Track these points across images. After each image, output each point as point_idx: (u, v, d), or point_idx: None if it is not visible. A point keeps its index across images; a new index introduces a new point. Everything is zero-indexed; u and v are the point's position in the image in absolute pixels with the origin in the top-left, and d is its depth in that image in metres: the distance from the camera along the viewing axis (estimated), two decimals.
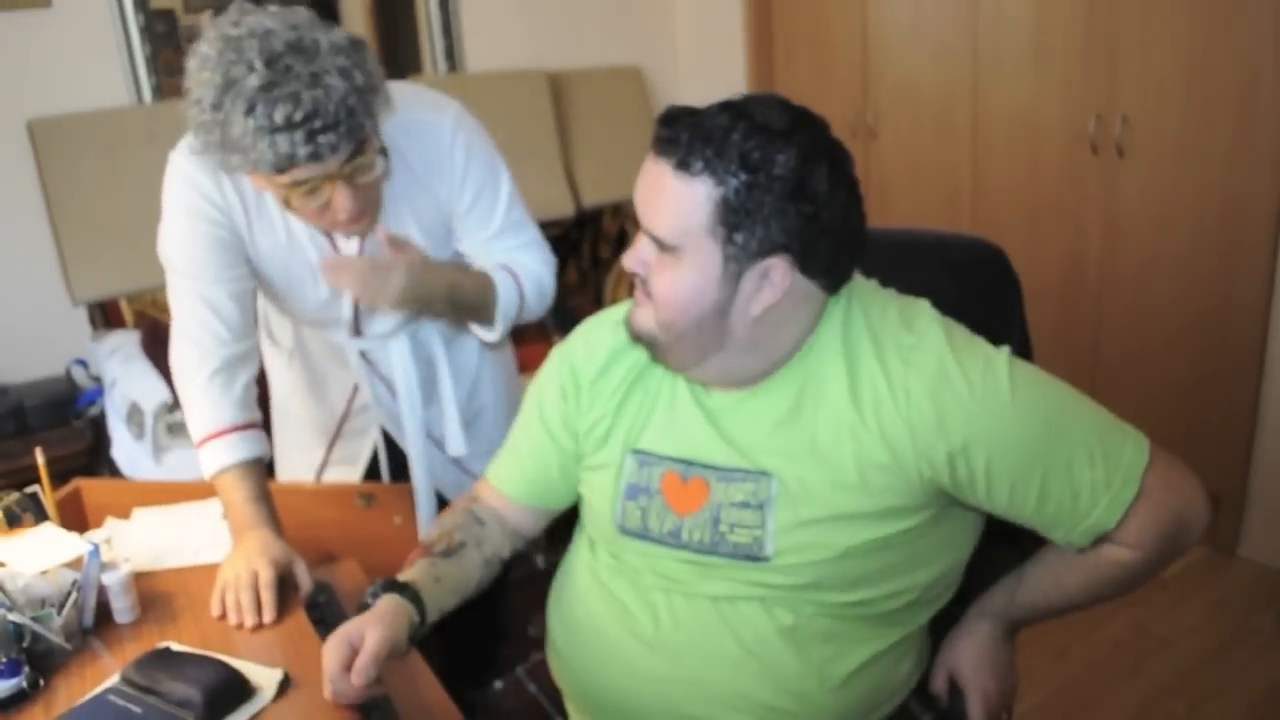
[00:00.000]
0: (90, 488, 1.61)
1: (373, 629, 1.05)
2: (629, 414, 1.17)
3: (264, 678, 1.09)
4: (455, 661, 1.68)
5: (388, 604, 1.10)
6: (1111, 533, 1.04)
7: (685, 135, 0.99)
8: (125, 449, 2.48)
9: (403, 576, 1.17)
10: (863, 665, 1.10)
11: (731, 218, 0.98)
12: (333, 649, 1.04)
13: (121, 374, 2.58)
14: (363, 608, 1.12)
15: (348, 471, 1.73)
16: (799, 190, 0.97)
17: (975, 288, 1.29)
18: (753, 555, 1.07)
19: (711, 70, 3.97)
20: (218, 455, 1.39)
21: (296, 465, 1.76)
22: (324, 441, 1.72)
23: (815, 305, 1.06)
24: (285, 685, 1.09)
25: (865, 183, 1.03)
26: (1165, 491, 1.04)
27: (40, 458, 1.39)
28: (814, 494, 1.05)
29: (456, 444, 1.66)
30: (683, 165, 0.99)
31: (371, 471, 1.73)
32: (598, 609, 1.18)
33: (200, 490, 1.56)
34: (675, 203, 1.00)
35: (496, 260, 1.52)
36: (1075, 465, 1.02)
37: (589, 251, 3.68)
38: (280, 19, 1.20)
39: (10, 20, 2.74)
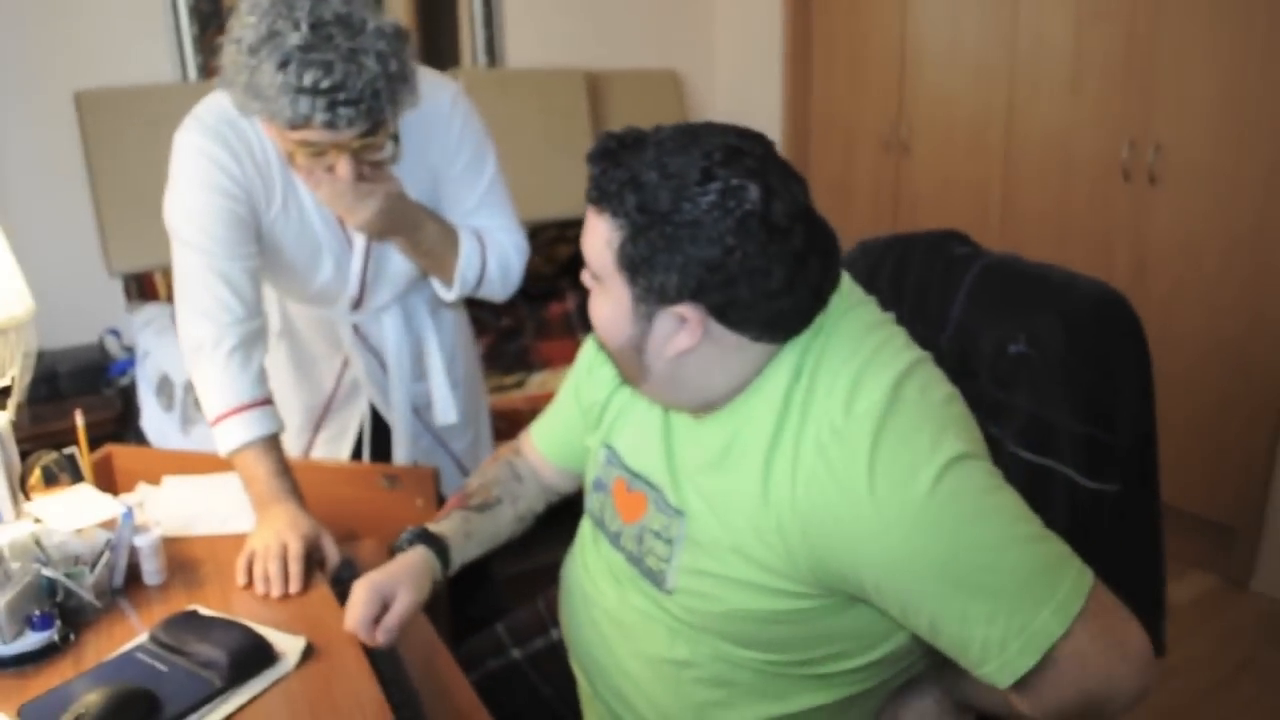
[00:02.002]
0: (121, 454, 1.65)
1: (404, 590, 1.12)
2: (616, 405, 1.18)
3: (288, 645, 1.12)
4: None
5: (418, 557, 1.17)
6: (1008, 689, 0.92)
7: (599, 169, 0.95)
8: (154, 419, 2.52)
9: (435, 527, 1.23)
10: None
11: (629, 262, 0.94)
12: (364, 599, 1.10)
13: (154, 346, 2.63)
14: (394, 551, 1.19)
15: (334, 450, 1.78)
16: (700, 239, 0.90)
17: (1089, 343, 1.15)
18: (658, 583, 1.07)
19: (748, 77, 3.98)
20: (237, 431, 1.41)
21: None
22: (311, 422, 1.77)
23: (751, 354, 0.98)
24: (308, 653, 1.12)
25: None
26: (1078, 667, 0.89)
27: (80, 420, 1.43)
28: (715, 549, 1.01)
29: (446, 410, 1.72)
30: (592, 201, 0.96)
31: (357, 451, 1.78)
32: (576, 571, 1.23)
33: (228, 462, 1.59)
34: (592, 235, 0.98)
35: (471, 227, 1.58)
36: (969, 618, 0.89)
37: None
38: None
39: None
